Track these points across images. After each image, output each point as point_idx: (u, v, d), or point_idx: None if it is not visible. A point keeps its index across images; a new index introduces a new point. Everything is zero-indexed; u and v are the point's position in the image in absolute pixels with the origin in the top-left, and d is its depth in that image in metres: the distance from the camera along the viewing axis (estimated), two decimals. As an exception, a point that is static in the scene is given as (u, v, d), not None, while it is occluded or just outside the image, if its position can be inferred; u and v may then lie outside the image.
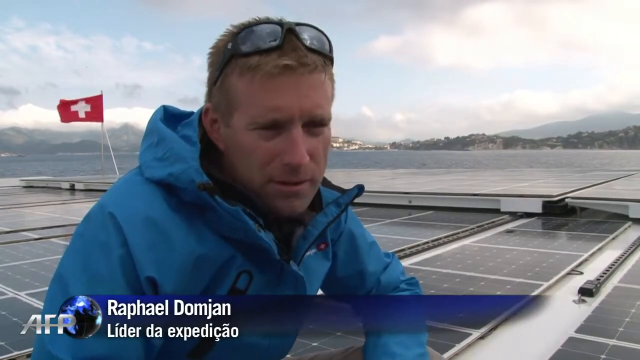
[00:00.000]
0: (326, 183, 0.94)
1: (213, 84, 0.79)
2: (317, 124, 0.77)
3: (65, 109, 13.20)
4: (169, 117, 0.88)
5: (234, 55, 0.74)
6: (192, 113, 0.88)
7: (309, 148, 0.76)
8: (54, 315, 0.72)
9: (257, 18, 0.77)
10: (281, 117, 0.74)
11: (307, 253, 0.88)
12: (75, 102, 13.28)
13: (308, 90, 0.74)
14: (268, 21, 0.76)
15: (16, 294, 2.73)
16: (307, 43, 0.74)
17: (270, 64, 0.72)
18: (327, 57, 0.77)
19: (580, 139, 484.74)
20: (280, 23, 0.75)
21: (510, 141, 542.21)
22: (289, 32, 0.74)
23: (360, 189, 0.93)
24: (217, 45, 0.79)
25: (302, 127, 0.75)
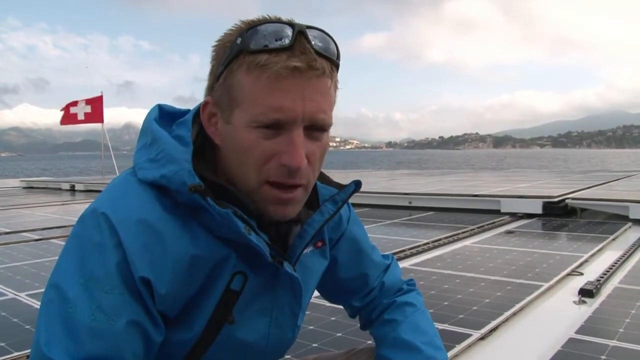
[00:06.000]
0: (324, 179, 0.94)
1: (216, 78, 0.78)
2: (318, 128, 0.77)
3: (66, 112, 13.17)
4: (164, 115, 0.88)
5: (242, 51, 0.74)
6: (187, 111, 0.88)
7: (307, 152, 0.76)
8: (50, 318, 0.72)
9: (267, 16, 0.77)
10: (284, 118, 0.73)
11: (304, 251, 0.88)
12: (75, 103, 13.25)
13: (314, 94, 0.74)
14: (279, 21, 0.76)
15: (16, 295, 2.72)
16: (317, 47, 0.74)
17: (279, 64, 0.72)
18: (334, 63, 0.77)
19: (570, 138, 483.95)
20: (291, 24, 0.75)
21: (501, 140, 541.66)
22: (300, 34, 0.74)
23: (357, 185, 0.93)
24: (223, 40, 0.78)
25: (303, 130, 0.75)
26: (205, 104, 0.81)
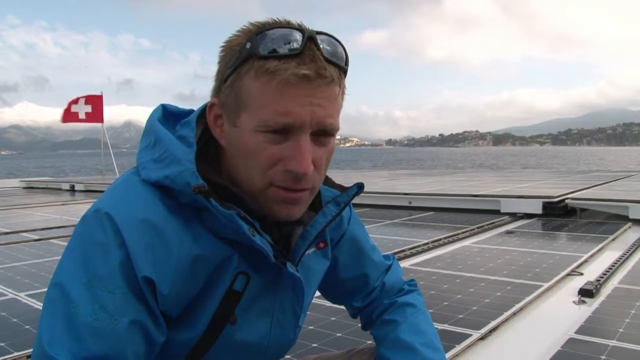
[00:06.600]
0: (326, 181, 0.94)
1: (223, 80, 0.78)
2: (326, 133, 0.77)
3: (67, 110, 13.20)
4: (168, 115, 0.88)
5: (251, 56, 0.74)
6: (191, 111, 0.88)
7: (314, 157, 0.76)
8: (53, 318, 0.72)
9: (276, 19, 0.77)
10: (292, 123, 0.73)
11: (307, 252, 0.89)
12: (75, 101, 13.26)
13: (322, 100, 0.74)
14: (289, 25, 0.76)
15: (16, 295, 2.73)
16: (326, 53, 0.74)
17: (289, 71, 0.72)
18: (342, 69, 0.77)
19: (570, 135, 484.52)
20: (301, 29, 0.74)
21: (500, 138, 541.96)
22: (310, 40, 0.74)
23: (360, 188, 0.93)
24: (231, 42, 0.78)
25: (310, 135, 0.75)
26: (211, 106, 0.81)
